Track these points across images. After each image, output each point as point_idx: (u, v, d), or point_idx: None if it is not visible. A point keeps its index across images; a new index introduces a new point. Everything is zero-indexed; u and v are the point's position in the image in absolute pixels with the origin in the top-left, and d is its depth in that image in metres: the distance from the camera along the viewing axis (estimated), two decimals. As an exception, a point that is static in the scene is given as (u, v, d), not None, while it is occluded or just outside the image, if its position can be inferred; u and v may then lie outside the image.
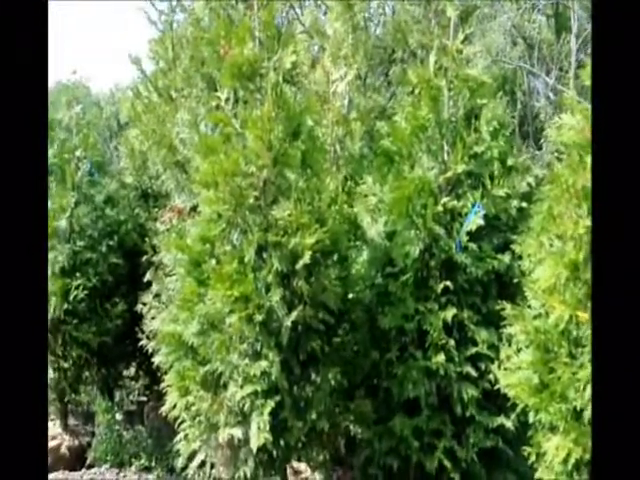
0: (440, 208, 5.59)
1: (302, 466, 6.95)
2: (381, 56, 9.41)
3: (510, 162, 5.82)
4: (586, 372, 3.91)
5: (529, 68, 11.84)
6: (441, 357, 5.30)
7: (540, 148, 10.59)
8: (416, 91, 6.06)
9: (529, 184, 5.72)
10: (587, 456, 3.79)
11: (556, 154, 6.03)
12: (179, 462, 5.64)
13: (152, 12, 9.18)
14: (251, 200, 5.40)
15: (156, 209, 8.68)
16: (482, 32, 11.35)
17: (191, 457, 5.56)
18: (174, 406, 5.54)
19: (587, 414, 3.83)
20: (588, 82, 4.25)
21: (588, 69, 4.16)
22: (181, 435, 5.61)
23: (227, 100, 5.72)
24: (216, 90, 6.03)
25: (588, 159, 4.22)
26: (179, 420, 5.60)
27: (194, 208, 7.05)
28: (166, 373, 5.69)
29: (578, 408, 3.90)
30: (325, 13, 10.46)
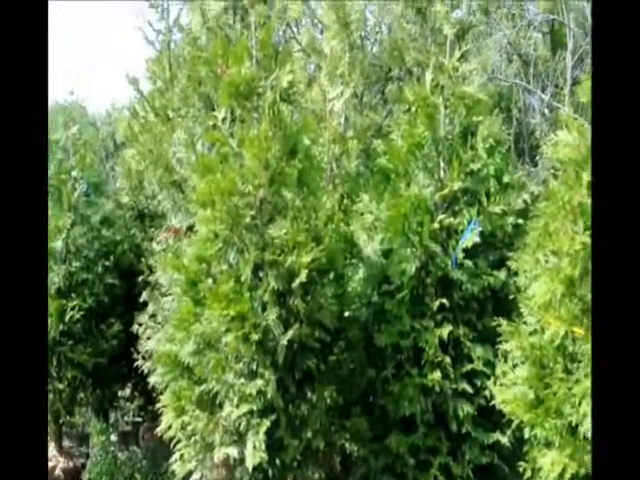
0: (436, 225, 5.61)
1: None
2: (377, 74, 9.47)
3: (506, 179, 5.85)
4: (582, 387, 3.90)
5: (525, 85, 11.92)
6: (437, 374, 5.30)
7: (536, 165, 10.63)
8: (412, 109, 6.09)
9: (525, 201, 5.74)
10: (582, 471, 3.78)
11: (552, 171, 6.05)
12: (174, 482, 5.61)
13: (149, 32, 9.24)
14: (248, 219, 5.40)
15: (152, 229, 8.67)
16: (478, 49, 11.43)
17: (187, 477, 5.53)
18: (170, 426, 5.50)
19: (582, 429, 3.82)
20: (584, 99, 4.28)
21: (584, 85, 4.19)
22: (177, 455, 5.57)
23: (224, 119, 5.74)
24: (213, 109, 6.06)
25: (584, 176, 4.24)
26: (174, 440, 5.57)
27: (190, 228, 7.05)
28: (162, 393, 5.66)
29: (573, 423, 3.90)
30: (322, 32, 10.54)
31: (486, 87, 8.09)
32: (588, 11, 11.02)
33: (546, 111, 11.58)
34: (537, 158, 10.71)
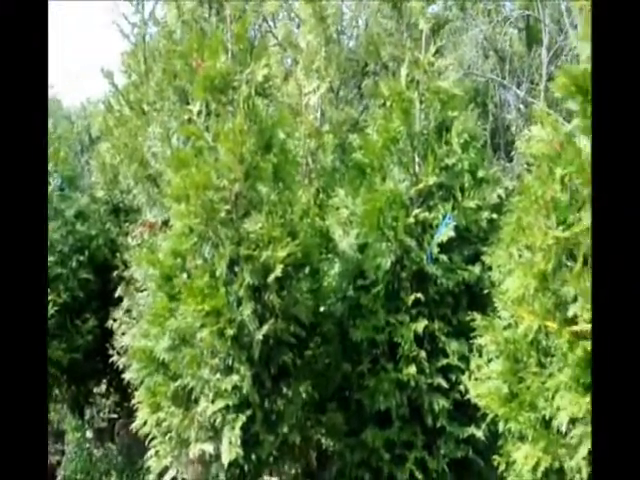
0: (411, 220, 5.62)
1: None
2: (354, 69, 9.46)
3: (481, 174, 5.86)
4: (555, 381, 3.92)
5: (500, 81, 12.00)
6: (412, 369, 5.32)
7: (511, 160, 10.71)
8: (388, 104, 6.09)
9: (499, 196, 5.76)
10: (556, 464, 3.80)
11: (526, 166, 6.08)
12: (150, 479, 5.57)
13: (125, 25, 9.15)
14: (223, 214, 5.37)
15: (127, 224, 8.61)
16: (454, 45, 11.48)
17: (162, 474, 5.50)
18: (145, 422, 5.47)
19: (556, 423, 3.84)
20: (557, 94, 4.30)
21: (557, 81, 4.20)
22: (152, 452, 5.54)
23: (199, 113, 5.71)
24: (188, 103, 6.02)
25: (557, 171, 4.26)
26: (150, 437, 5.54)
27: (166, 222, 7.00)
28: (137, 389, 5.62)
29: (547, 417, 3.91)
30: (298, 26, 10.49)
31: (462, 82, 8.11)
32: (563, 7, 11.11)
33: (521, 107, 11.66)
34: (512, 153, 10.78)
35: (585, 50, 4.17)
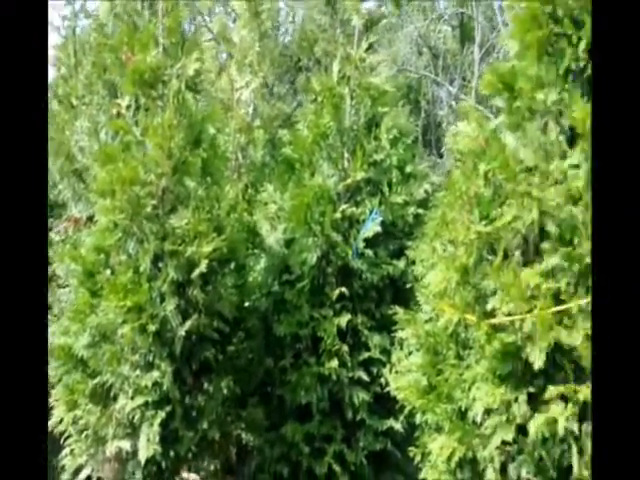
0: (338, 215, 5.65)
1: (192, 476, 6.81)
2: (287, 64, 9.44)
3: (409, 169, 5.92)
4: (472, 373, 3.94)
5: (433, 77, 12.14)
6: (334, 363, 5.33)
7: (442, 156, 10.82)
8: (319, 99, 6.09)
9: (426, 191, 5.82)
10: (470, 454, 3.81)
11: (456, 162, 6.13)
12: (64, 477, 5.43)
13: (55, 17, 8.97)
14: (149, 209, 5.29)
15: (51, 219, 8.39)
16: (389, 41, 11.57)
17: (77, 472, 5.38)
18: (60, 420, 5.34)
19: (471, 414, 3.85)
20: (485, 91, 4.33)
21: (485, 78, 4.23)
22: (67, 450, 5.42)
23: (128, 107, 5.63)
24: (118, 97, 5.91)
25: (481, 166, 4.28)
26: (65, 435, 5.40)
27: (91, 218, 6.86)
28: (53, 387, 5.47)
29: (463, 408, 3.93)
30: (235, 21, 10.42)
31: (396, 79, 8.17)
32: (496, 5, 11.29)
33: (453, 103, 11.81)
34: (443, 149, 10.89)
35: (513, 47, 4.23)
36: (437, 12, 12.76)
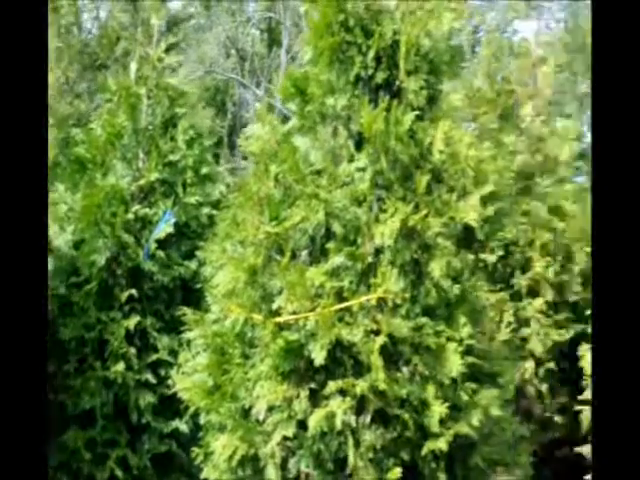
0: (131, 216, 5.58)
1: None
2: (86, 62, 9.12)
3: (205, 170, 5.94)
4: (257, 371, 3.97)
5: (240, 80, 12.24)
6: (121, 366, 5.23)
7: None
8: (115, 98, 5.99)
9: (221, 192, 5.85)
10: (252, 451, 3.84)
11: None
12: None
13: None
14: None
15: None
16: (197, 42, 11.53)
17: None
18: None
19: (254, 412, 3.89)
20: (280, 96, 4.42)
21: (282, 84, 4.33)
22: None
23: None
24: None
25: (272, 168, 4.34)
26: None
27: None
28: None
29: (246, 406, 3.95)
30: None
31: (202, 80, 8.14)
32: (302, 10, 11.54)
33: (259, 105, 11.97)
34: (247, 152, 10.95)
35: (308, 53, 4.35)
36: (246, 15, 12.87)
